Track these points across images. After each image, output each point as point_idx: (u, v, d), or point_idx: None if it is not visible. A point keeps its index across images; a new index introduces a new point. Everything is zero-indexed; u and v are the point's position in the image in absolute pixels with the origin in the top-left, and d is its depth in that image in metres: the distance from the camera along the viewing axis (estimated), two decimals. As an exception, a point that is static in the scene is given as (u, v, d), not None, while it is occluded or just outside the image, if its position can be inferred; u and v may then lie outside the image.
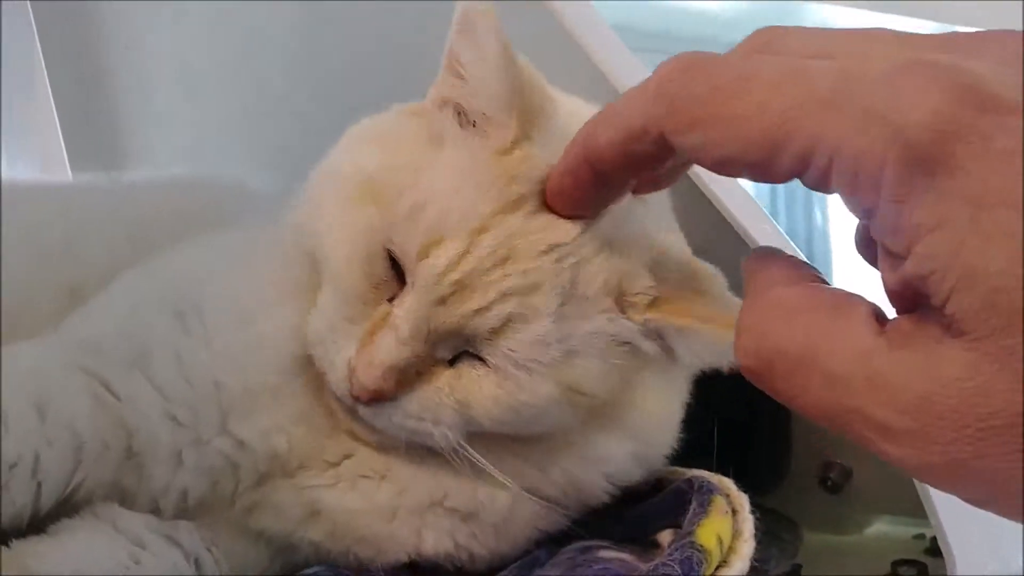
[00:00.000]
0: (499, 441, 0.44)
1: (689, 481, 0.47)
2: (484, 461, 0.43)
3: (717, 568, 0.42)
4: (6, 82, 1.20)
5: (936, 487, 0.24)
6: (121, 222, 0.59)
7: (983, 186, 0.22)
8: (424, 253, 0.41)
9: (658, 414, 0.47)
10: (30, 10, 1.06)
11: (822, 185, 0.25)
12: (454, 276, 0.40)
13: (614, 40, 0.64)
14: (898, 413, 0.23)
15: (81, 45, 1.10)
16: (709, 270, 0.44)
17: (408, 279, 0.42)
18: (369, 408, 0.43)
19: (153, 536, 0.44)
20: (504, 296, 0.40)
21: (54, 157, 1.15)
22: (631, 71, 0.60)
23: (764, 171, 0.26)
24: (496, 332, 0.40)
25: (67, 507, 0.44)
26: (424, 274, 0.40)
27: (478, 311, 0.40)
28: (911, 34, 0.27)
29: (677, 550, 0.41)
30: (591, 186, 0.35)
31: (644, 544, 0.48)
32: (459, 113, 0.44)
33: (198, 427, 0.45)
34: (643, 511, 0.49)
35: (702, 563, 0.40)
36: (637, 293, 0.43)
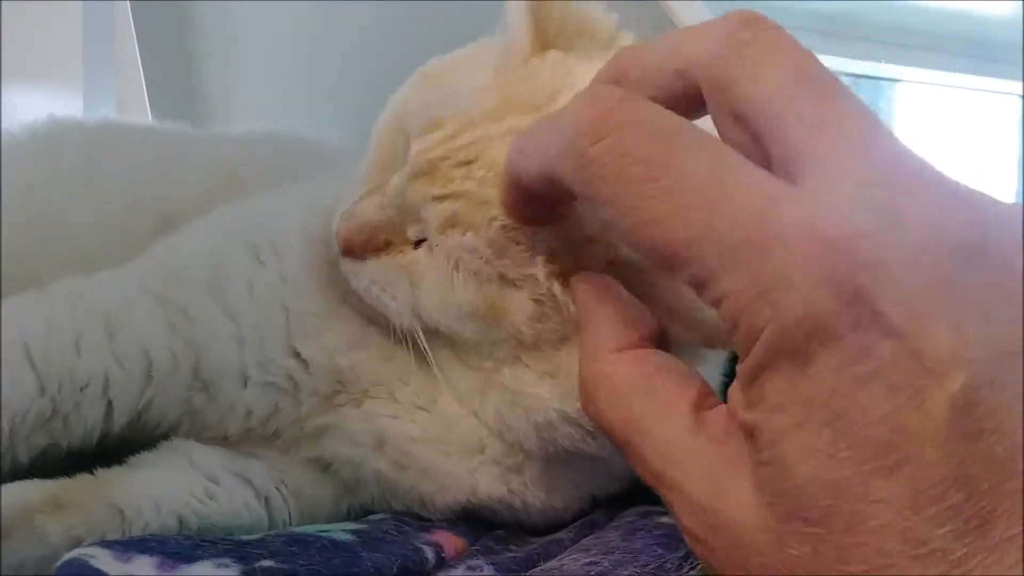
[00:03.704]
0: (452, 353, 0.45)
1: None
2: (431, 356, 0.45)
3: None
4: (92, 27, 1.23)
5: None
6: (212, 164, 0.62)
7: (825, 401, 0.23)
8: (422, 132, 0.43)
9: None
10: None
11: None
12: (428, 156, 0.42)
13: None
14: (691, 516, 0.26)
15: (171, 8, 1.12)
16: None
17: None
18: (345, 262, 0.45)
19: (226, 474, 0.46)
20: (456, 195, 0.41)
21: (135, 103, 1.18)
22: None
23: (665, 272, 0.26)
24: (443, 227, 0.41)
25: (142, 430, 0.47)
26: (413, 149, 0.43)
27: (434, 198, 0.41)
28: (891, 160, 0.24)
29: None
30: (529, 203, 0.34)
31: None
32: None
33: (264, 347, 0.47)
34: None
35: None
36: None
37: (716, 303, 0.24)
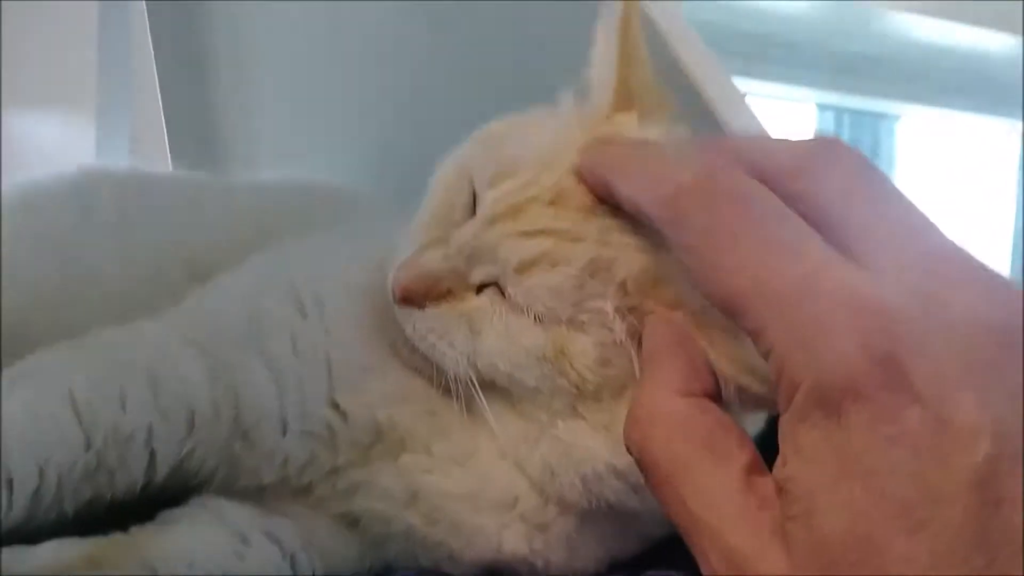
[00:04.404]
0: (503, 403, 0.45)
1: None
2: (485, 404, 0.45)
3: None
4: (107, 51, 1.23)
5: None
6: (242, 213, 0.63)
7: (857, 456, 0.24)
8: (494, 183, 0.44)
9: None
10: (144, 8, 1.09)
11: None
12: (512, 200, 0.43)
13: (697, 41, 0.66)
14: (726, 564, 0.26)
15: (190, 38, 1.12)
16: None
17: (478, 209, 0.45)
18: (401, 310, 0.45)
19: (256, 532, 0.47)
20: (547, 231, 0.41)
21: (155, 145, 1.17)
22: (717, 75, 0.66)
23: (729, 317, 0.28)
24: (525, 266, 0.42)
25: (181, 479, 0.47)
26: (486, 199, 0.44)
27: (521, 234, 0.42)
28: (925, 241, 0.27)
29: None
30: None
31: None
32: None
33: (304, 398, 0.48)
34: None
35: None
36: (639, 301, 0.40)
37: (766, 354, 0.27)
